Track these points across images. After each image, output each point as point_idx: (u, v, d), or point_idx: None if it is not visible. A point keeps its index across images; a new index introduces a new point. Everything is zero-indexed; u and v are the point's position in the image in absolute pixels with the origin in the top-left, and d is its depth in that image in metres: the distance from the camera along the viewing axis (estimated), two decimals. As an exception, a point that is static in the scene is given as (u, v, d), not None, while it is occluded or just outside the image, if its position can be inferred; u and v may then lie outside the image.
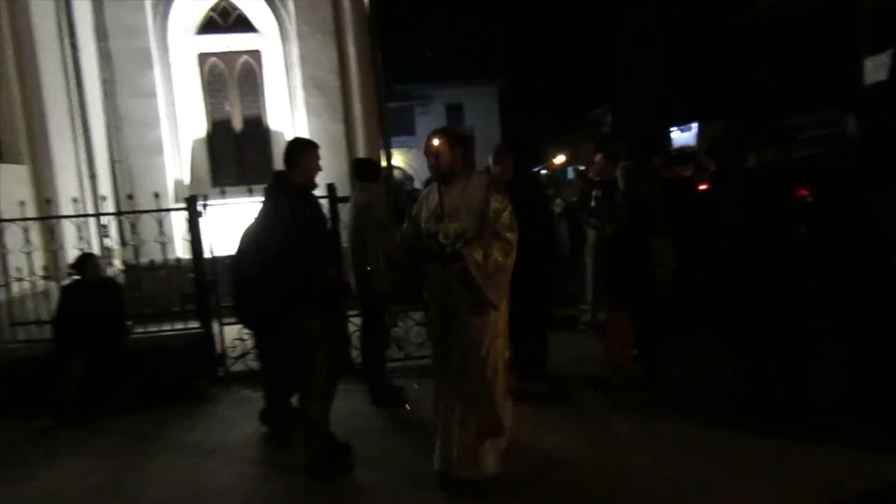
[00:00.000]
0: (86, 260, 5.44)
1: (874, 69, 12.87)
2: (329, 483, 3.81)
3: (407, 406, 5.02)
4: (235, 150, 9.34)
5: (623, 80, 20.54)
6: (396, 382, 5.32)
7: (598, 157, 5.79)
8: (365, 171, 4.96)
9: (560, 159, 11.62)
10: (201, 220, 5.77)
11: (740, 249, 4.26)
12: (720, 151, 9.67)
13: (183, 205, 5.95)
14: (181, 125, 8.96)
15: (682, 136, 15.22)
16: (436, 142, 3.69)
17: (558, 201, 5.98)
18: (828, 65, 13.72)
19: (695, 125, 14.81)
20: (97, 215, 6.79)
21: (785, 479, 3.47)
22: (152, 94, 8.57)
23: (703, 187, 6.20)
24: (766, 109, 14.06)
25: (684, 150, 9.94)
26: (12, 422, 5.15)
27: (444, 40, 31.00)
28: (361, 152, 9.02)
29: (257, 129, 9.35)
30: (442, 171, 3.66)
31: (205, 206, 5.82)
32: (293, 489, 3.83)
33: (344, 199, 5.50)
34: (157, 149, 8.63)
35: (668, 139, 15.45)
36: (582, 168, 10.28)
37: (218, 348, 5.90)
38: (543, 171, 12.25)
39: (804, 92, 13.39)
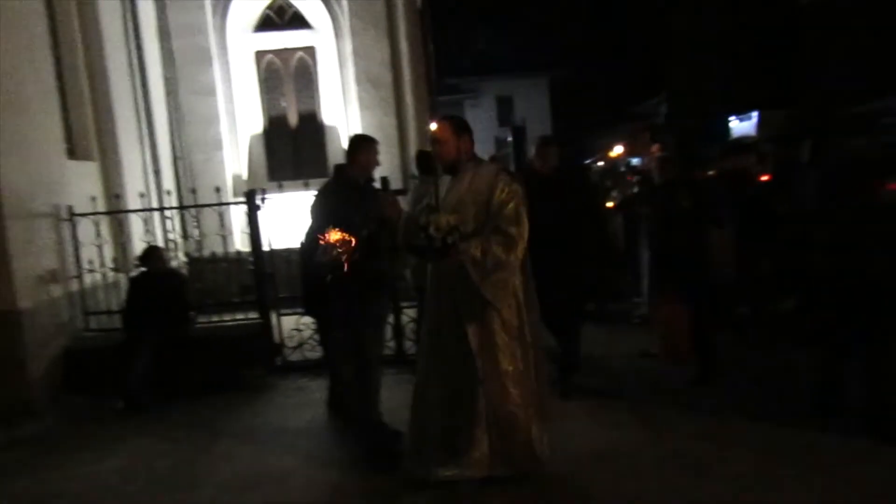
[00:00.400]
0: (152, 252, 5.67)
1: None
2: (385, 471, 3.88)
3: None
4: (291, 145, 9.54)
5: (678, 67, 19.99)
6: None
7: (654, 149, 5.69)
8: (427, 163, 4.98)
9: (618, 151, 11.39)
10: (260, 214, 5.94)
11: (818, 243, 4.05)
12: (782, 140, 9.33)
13: (242, 199, 6.12)
14: (239, 121, 9.21)
15: (742, 126, 14.73)
16: (437, 128, 3.51)
17: (614, 193, 5.90)
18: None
19: (755, 114, 14.32)
20: (162, 209, 7.05)
21: (859, 478, 3.34)
22: (212, 92, 8.83)
23: (764, 178, 6.02)
24: (839, 94, 13.32)
25: (743, 140, 9.67)
26: (88, 404, 5.42)
27: (495, 32, 30.85)
28: (413, 146, 9.07)
29: (312, 124, 9.52)
30: (445, 161, 3.47)
31: (263, 199, 5.99)
32: (352, 476, 3.92)
33: (401, 192, 5.57)
34: (217, 144, 8.90)
35: (727, 129, 14.97)
36: (634, 161, 10.11)
37: (276, 338, 6.06)
38: (600, 163, 12.05)
39: (883, 75, 12.57)
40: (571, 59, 28.99)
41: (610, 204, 6.12)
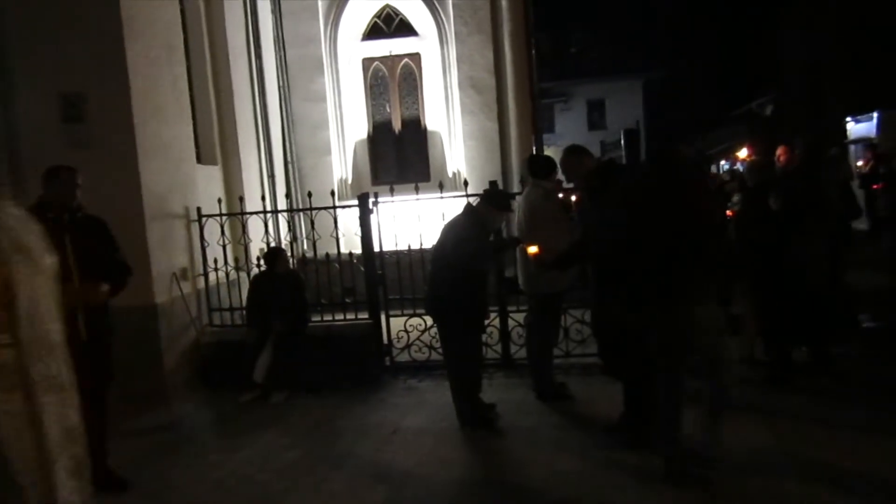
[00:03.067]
0: (275, 253, 5.94)
1: None
2: (510, 471, 3.91)
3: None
4: (394, 150, 9.75)
5: (789, 65, 18.97)
6: (558, 379, 5.31)
7: (780, 150, 5.44)
8: (539, 166, 4.99)
9: (744, 153, 10.96)
10: (371, 217, 6.11)
11: None
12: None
13: (354, 202, 6.31)
14: (346, 127, 9.51)
15: (859, 127, 13.83)
16: None
17: (735, 199, 5.67)
18: None
19: (875, 114, 13.40)
20: (280, 211, 7.39)
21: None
22: (322, 99, 9.16)
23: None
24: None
25: (864, 142, 9.08)
26: (215, 396, 5.75)
27: (587, 35, 30.41)
28: (515, 150, 9.08)
29: (415, 129, 9.69)
30: None
31: (375, 203, 6.15)
32: (472, 474, 3.98)
33: (513, 196, 5.59)
34: (325, 150, 9.22)
35: (843, 129, 14.09)
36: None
37: (385, 339, 6.20)
38: (736, 166, 11.61)
39: None
40: (667, 60, 28.18)
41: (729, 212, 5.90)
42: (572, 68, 29.15)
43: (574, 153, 4.39)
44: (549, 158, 5.08)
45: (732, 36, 25.80)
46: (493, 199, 4.69)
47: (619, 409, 4.26)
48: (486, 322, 5.03)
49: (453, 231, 4.56)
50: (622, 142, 7.09)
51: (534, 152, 8.73)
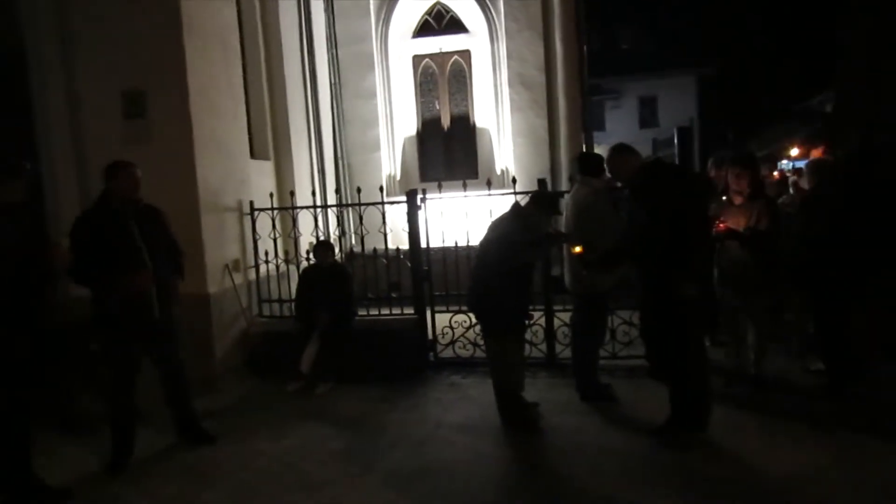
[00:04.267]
0: (324, 247, 6.05)
1: None
2: (550, 471, 3.92)
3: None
4: (442, 147, 9.80)
5: (853, 59, 18.07)
6: (603, 380, 5.27)
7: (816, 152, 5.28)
8: (589, 165, 4.93)
9: (795, 151, 10.60)
10: (420, 213, 6.16)
11: None
12: None
13: (403, 198, 6.37)
14: (396, 124, 9.60)
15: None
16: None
17: (783, 198, 5.47)
18: None
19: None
20: (330, 206, 7.53)
21: None
22: (373, 96, 9.28)
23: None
24: None
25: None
26: (263, 385, 5.91)
27: (638, 30, 29.82)
28: (564, 148, 9.01)
29: (463, 125, 9.72)
30: None
31: (423, 199, 6.20)
32: (512, 473, 4.00)
33: (562, 194, 5.55)
34: (375, 146, 9.33)
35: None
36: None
37: (430, 335, 6.25)
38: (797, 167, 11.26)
39: None
40: (722, 56, 27.40)
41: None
42: (623, 65, 28.59)
43: (620, 152, 4.34)
44: (598, 156, 5.01)
45: (789, 29, 24.92)
46: (540, 203, 4.63)
47: (665, 412, 4.21)
48: (529, 322, 5.01)
49: (499, 230, 4.56)
50: (675, 140, 6.94)
51: (583, 150, 8.65)
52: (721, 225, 4.74)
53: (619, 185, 4.78)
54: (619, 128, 28.21)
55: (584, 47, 9.29)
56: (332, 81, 8.94)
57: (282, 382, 5.74)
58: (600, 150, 10.90)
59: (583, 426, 4.55)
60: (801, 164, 12.38)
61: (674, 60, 28.13)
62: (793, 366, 5.37)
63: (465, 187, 6.15)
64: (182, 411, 4.55)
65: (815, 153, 10.05)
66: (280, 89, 7.55)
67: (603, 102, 29.23)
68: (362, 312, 6.31)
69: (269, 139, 7.49)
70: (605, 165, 4.56)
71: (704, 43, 28.07)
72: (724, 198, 5.05)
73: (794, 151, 10.55)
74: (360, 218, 6.30)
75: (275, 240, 6.49)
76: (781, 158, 13.67)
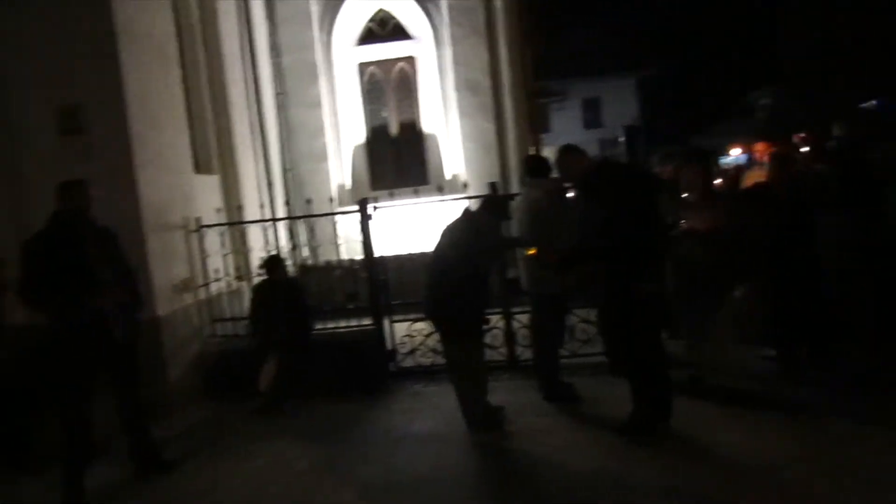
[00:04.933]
0: (275, 261, 5.89)
1: None
2: (522, 474, 3.88)
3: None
4: (392, 154, 9.73)
5: (792, 54, 18.60)
6: (565, 380, 5.27)
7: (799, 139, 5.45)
8: (537, 167, 4.96)
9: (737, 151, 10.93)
10: (371, 222, 6.07)
11: None
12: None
13: (354, 207, 6.27)
14: (343, 132, 9.49)
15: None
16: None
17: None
18: None
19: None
20: (279, 219, 7.35)
21: None
22: (318, 105, 9.15)
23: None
24: None
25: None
26: (222, 406, 5.70)
27: (581, 33, 30.38)
28: (513, 151, 9.07)
29: (412, 132, 9.69)
30: None
31: (375, 208, 6.11)
32: (483, 478, 3.95)
33: (511, 196, 5.54)
34: (322, 156, 9.20)
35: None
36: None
37: (389, 344, 6.16)
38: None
39: None
40: (662, 57, 28.18)
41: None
42: (566, 67, 29.07)
43: (568, 152, 4.38)
44: (544, 158, 5.05)
45: (728, 30, 25.81)
46: (491, 208, 4.63)
47: (628, 407, 4.23)
48: (485, 326, 4.95)
49: (452, 235, 4.52)
50: (624, 138, 7.06)
51: (531, 152, 8.71)
52: (684, 224, 4.80)
53: (568, 185, 4.81)
54: (564, 129, 28.63)
55: (529, 50, 9.40)
56: (277, 91, 8.78)
57: (241, 402, 5.55)
58: (548, 151, 11.06)
59: (550, 427, 4.53)
60: (742, 159, 12.80)
61: (615, 62, 28.78)
62: (748, 355, 5.48)
63: (416, 194, 6.10)
64: (141, 439, 4.34)
65: (759, 148, 10.37)
66: (223, 99, 7.35)
67: (548, 105, 29.65)
68: (319, 325, 6.17)
69: (213, 152, 7.28)
70: (552, 166, 4.58)
71: (645, 45, 28.82)
72: (684, 195, 5.11)
73: (737, 151, 10.94)
74: (312, 230, 6.17)
75: (224, 256, 6.30)
76: (724, 155, 14.09)
